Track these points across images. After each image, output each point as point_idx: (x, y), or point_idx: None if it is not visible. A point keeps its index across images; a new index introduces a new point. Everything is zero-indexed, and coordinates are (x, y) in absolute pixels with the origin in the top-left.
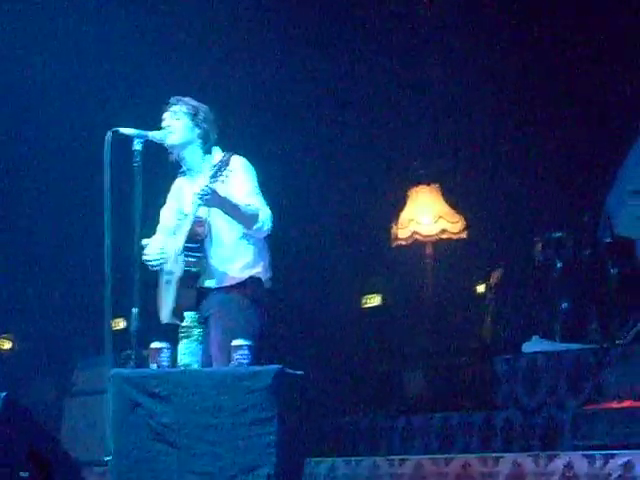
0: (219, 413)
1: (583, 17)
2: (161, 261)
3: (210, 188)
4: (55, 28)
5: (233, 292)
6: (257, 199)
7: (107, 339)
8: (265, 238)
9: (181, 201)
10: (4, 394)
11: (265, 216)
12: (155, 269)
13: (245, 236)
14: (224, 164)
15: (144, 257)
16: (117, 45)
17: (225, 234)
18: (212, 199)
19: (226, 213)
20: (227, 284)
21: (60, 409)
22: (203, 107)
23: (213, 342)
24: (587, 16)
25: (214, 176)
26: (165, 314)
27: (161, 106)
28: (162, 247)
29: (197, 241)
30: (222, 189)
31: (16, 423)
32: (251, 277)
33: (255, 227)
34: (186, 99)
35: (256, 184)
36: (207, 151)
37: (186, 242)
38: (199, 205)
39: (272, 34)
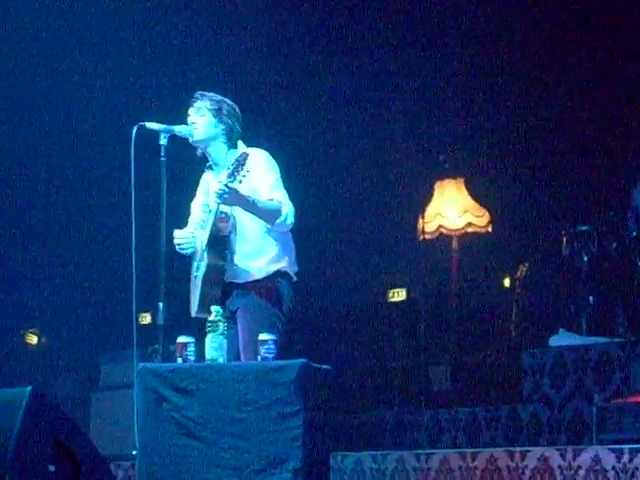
0: (245, 407)
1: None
2: (190, 244)
3: (228, 187)
4: (81, 22)
5: (259, 287)
6: (280, 193)
7: (134, 333)
8: (290, 232)
9: (207, 195)
10: (30, 388)
11: (288, 210)
12: (183, 252)
13: (269, 231)
14: (240, 164)
15: (175, 241)
16: (144, 39)
17: (249, 229)
18: (231, 198)
19: (247, 210)
20: (252, 279)
21: (87, 404)
22: (227, 102)
23: (239, 337)
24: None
25: (231, 175)
26: (193, 309)
27: (187, 100)
28: (193, 232)
29: (221, 236)
30: (242, 187)
31: (43, 416)
32: (277, 271)
33: (278, 222)
34: (210, 94)
35: (279, 177)
36: (232, 146)
37: (211, 237)
38: (219, 204)
39: (294, 24)
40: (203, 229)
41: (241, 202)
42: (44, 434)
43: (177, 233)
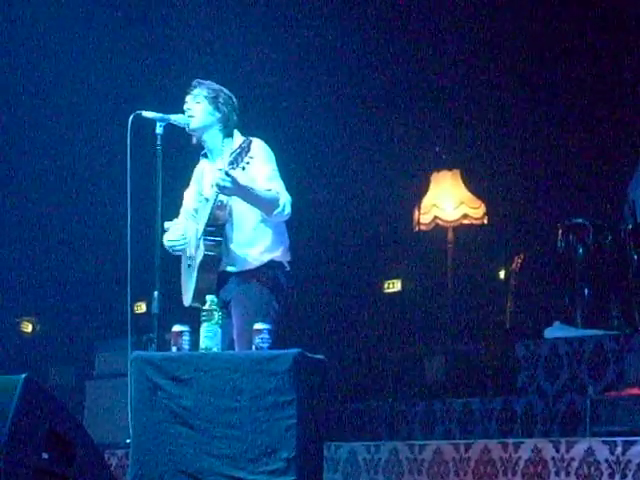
0: (239, 396)
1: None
2: (183, 246)
3: (228, 175)
4: (78, 8)
5: (253, 276)
6: (277, 184)
7: (129, 322)
8: (284, 222)
9: (202, 184)
10: (25, 375)
11: (285, 201)
12: (176, 253)
13: (265, 220)
14: (244, 150)
15: (166, 242)
16: (142, 28)
17: (245, 218)
18: (231, 188)
19: (245, 200)
20: (247, 268)
21: (81, 392)
22: (225, 91)
23: (234, 326)
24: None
25: (233, 162)
26: (187, 298)
27: (184, 89)
28: (183, 232)
29: (218, 225)
30: (242, 176)
31: (37, 404)
32: (271, 261)
33: (275, 212)
34: (207, 82)
35: (275, 168)
36: (228, 134)
37: (207, 226)
38: (218, 192)
39: (292, 14)
40: (195, 218)
41: (240, 192)
42: (38, 422)
43: (168, 234)
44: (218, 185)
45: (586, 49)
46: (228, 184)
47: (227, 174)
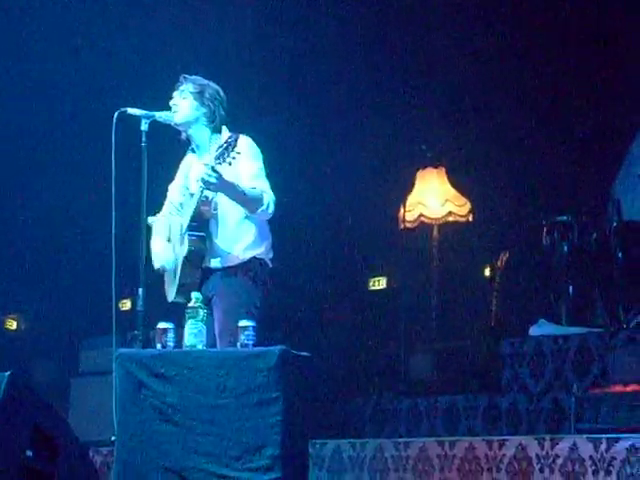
0: (224, 394)
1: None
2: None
3: (214, 170)
4: (66, 7)
5: (236, 273)
6: (262, 182)
7: (113, 319)
8: (267, 220)
9: (188, 178)
10: (9, 373)
11: (269, 200)
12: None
13: (248, 217)
14: (230, 146)
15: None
16: (127, 25)
17: (230, 214)
18: (216, 183)
19: (230, 197)
20: (230, 264)
21: (66, 389)
22: (211, 86)
23: (216, 323)
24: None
25: (219, 157)
26: (170, 293)
27: (170, 86)
28: (161, 253)
29: (202, 220)
30: (228, 172)
31: (22, 402)
32: (254, 257)
33: (259, 211)
34: (193, 77)
35: (262, 167)
36: (215, 130)
37: (191, 221)
38: (203, 188)
39: (277, 12)
40: (180, 213)
41: (225, 188)
42: (22, 419)
43: (151, 220)
44: (203, 180)
45: (571, 45)
46: (213, 179)
47: (213, 169)
